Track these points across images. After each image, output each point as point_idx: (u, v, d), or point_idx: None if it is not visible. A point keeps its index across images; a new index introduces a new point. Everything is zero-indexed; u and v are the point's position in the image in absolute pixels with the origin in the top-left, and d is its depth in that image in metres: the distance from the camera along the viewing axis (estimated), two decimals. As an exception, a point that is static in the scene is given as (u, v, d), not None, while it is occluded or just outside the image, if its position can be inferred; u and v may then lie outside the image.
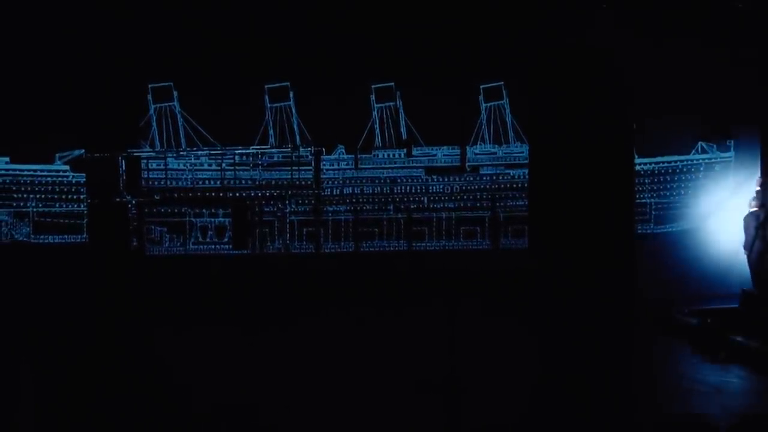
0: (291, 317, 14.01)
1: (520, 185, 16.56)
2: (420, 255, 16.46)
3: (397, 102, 16.36)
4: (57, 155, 15.82)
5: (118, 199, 15.93)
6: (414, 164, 16.47)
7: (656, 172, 15.33)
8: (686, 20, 14.13)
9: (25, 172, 15.77)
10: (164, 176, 16.14)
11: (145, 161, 16.04)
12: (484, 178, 16.56)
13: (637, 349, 12.06)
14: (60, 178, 15.86)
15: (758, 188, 14.22)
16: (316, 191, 16.41)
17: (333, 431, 8.79)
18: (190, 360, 11.28)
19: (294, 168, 16.35)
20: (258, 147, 16.23)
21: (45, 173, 15.81)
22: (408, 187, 16.51)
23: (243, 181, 16.33)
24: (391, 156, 16.45)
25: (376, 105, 16.34)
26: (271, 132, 16.22)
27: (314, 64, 15.60)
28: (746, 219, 14.27)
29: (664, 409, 8.94)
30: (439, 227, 16.58)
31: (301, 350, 11.82)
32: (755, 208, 14.21)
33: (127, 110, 15.62)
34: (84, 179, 15.82)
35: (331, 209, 16.50)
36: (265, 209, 16.35)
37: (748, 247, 14.09)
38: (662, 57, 14.55)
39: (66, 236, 15.86)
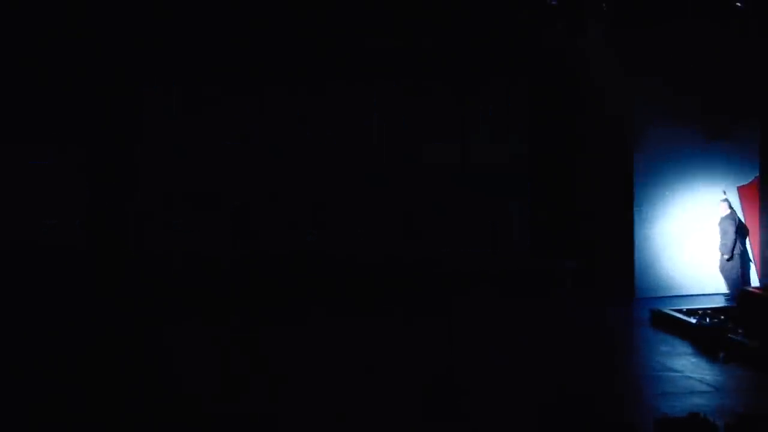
0: (290, 316, 14.02)
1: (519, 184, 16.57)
2: (419, 254, 16.46)
3: (396, 101, 16.36)
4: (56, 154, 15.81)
5: (116, 199, 15.92)
6: (413, 163, 16.45)
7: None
8: (685, 19, 14.13)
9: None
10: (163, 175, 16.12)
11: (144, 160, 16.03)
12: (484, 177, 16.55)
13: (637, 347, 12.09)
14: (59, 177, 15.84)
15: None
16: (315, 190, 16.39)
17: (332, 429, 8.80)
18: (189, 359, 11.29)
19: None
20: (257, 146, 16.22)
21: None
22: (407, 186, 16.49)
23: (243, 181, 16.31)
24: (390, 155, 16.45)
25: (375, 104, 16.36)
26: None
27: (314, 63, 15.62)
28: (723, 223, 14.23)
29: (664, 408, 8.95)
30: (438, 227, 16.57)
31: (301, 349, 11.82)
32: (728, 211, 14.24)
33: (126, 109, 15.62)
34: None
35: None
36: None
37: (729, 251, 14.12)
38: (663, 55, 14.55)
39: (65, 235, 15.83)
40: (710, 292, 14.86)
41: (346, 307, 14.30)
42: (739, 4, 13.67)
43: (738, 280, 14.36)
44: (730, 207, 14.33)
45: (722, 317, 12.43)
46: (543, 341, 12.26)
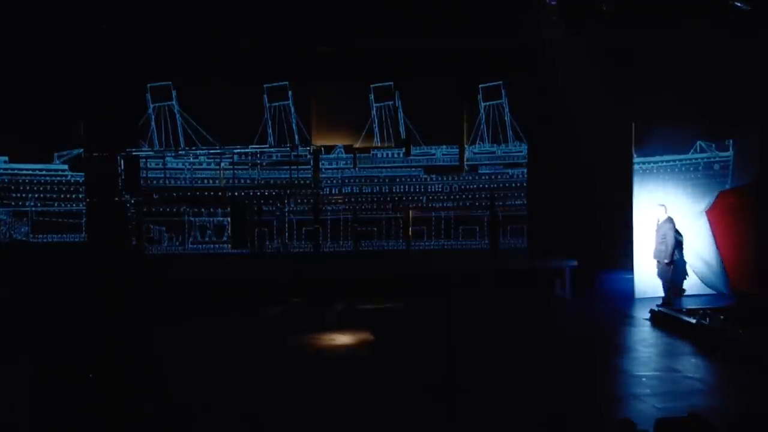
0: (290, 316, 14.01)
1: (518, 184, 16.59)
2: (419, 254, 16.47)
3: (396, 101, 16.37)
4: (56, 154, 15.83)
5: (116, 199, 15.94)
6: (413, 164, 16.48)
7: (655, 171, 15.31)
8: (686, 19, 14.14)
9: (24, 172, 15.77)
10: (163, 176, 16.15)
11: (143, 160, 16.05)
12: (483, 177, 16.57)
13: (637, 347, 12.08)
14: (59, 178, 15.86)
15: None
16: (315, 190, 16.42)
17: (332, 430, 8.79)
18: (188, 359, 11.28)
19: (293, 167, 16.36)
20: (257, 146, 16.23)
21: (44, 172, 15.81)
22: (407, 187, 16.52)
23: (242, 181, 16.34)
24: (389, 155, 16.46)
25: (375, 104, 16.35)
26: (270, 131, 16.23)
27: (313, 63, 15.62)
28: (662, 228, 14.16)
29: (663, 407, 8.95)
30: (437, 226, 16.60)
31: (301, 349, 11.82)
32: (666, 216, 14.19)
33: (125, 109, 15.63)
34: (83, 178, 15.84)
35: (330, 208, 16.51)
36: (264, 209, 16.35)
37: (670, 256, 14.06)
38: (662, 56, 14.55)
39: (65, 235, 15.86)
40: (710, 292, 14.89)
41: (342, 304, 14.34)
42: (738, 4, 13.66)
43: (678, 285, 14.49)
44: (667, 212, 14.32)
45: (722, 317, 12.42)
46: (543, 341, 12.25)
